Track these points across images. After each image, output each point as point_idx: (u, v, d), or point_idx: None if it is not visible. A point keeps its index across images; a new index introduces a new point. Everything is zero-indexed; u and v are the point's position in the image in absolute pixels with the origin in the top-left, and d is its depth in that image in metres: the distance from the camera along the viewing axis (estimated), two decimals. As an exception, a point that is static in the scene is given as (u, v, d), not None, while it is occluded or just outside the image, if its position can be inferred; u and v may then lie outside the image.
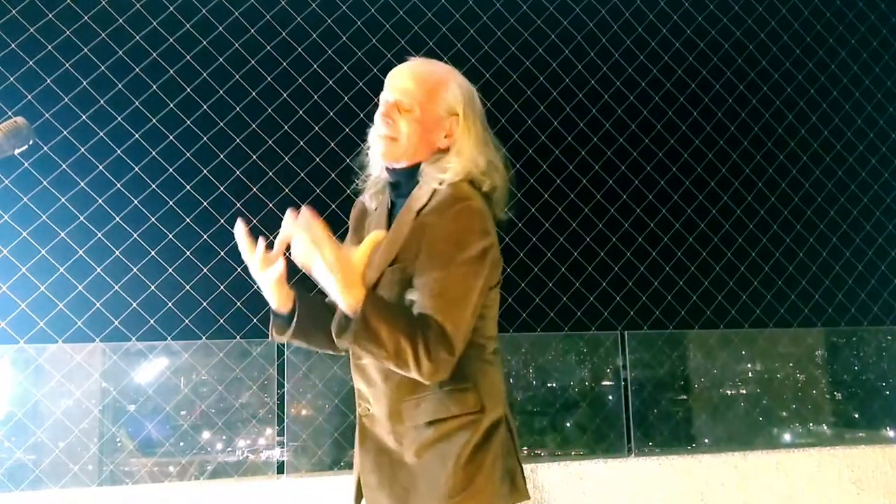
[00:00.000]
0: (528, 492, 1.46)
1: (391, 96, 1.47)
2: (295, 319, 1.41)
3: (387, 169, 1.52)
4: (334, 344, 1.36)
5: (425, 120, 1.45)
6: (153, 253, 2.49)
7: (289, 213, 1.24)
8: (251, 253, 1.35)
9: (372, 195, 1.58)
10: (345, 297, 1.21)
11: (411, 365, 1.25)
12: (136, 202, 2.51)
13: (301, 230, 1.20)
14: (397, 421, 1.40)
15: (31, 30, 2.48)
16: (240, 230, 1.35)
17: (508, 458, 1.43)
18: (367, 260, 1.25)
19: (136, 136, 2.53)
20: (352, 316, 1.22)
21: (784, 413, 3.25)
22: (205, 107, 2.60)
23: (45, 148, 2.42)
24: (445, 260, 1.33)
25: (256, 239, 1.35)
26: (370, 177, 1.58)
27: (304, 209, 1.21)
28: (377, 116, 1.47)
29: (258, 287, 1.40)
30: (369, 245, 1.24)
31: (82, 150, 2.48)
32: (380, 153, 1.48)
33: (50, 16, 2.50)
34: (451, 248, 1.34)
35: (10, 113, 2.36)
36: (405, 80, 1.47)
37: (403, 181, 1.49)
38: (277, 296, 1.40)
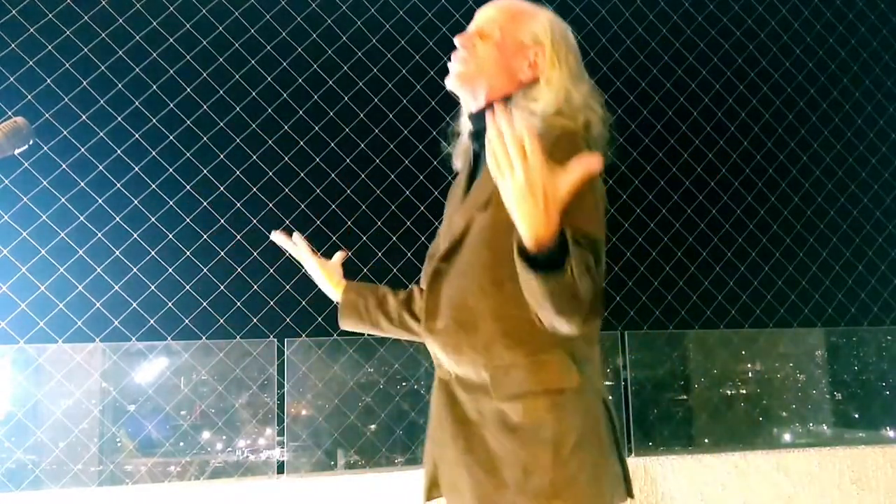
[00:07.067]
0: (632, 490, 1.23)
1: (472, 26, 1.34)
2: (341, 300, 1.54)
3: (469, 117, 1.37)
4: (395, 325, 1.50)
5: (505, 43, 1.29)
6: (153, 253, 2.49)
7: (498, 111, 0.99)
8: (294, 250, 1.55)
9: (457, 156, 1.44)
10: (532, 223, 0.96)
11: (577, 319, 1.03)
12: (136, 202, 2.51)
13: (504, 134, 0.96)
14: (480, 392, 1.18)
15: (31, 30, 2.48)
16: (278, 238, 1.54)
17: (612, 452, 1.20)
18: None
19: (136, 136, 2.53)
20: (534, 250, 0.98)
21: (784, 413, 3.25)
22: (205, 107, 2.60)
23: (45, 148, 2.42)
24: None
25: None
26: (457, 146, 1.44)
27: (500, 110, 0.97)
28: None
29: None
30: (579, 174, 0.96)
31: (82, 150, 2.48)
32: (451, 76, 1.32)
33: (50, 16, 2.50)
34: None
35: (10, 113, 2.35)
36: (489, 9, 1.34)
37: (486, 123, 1.31)
38: (331, 282, 1.56)
